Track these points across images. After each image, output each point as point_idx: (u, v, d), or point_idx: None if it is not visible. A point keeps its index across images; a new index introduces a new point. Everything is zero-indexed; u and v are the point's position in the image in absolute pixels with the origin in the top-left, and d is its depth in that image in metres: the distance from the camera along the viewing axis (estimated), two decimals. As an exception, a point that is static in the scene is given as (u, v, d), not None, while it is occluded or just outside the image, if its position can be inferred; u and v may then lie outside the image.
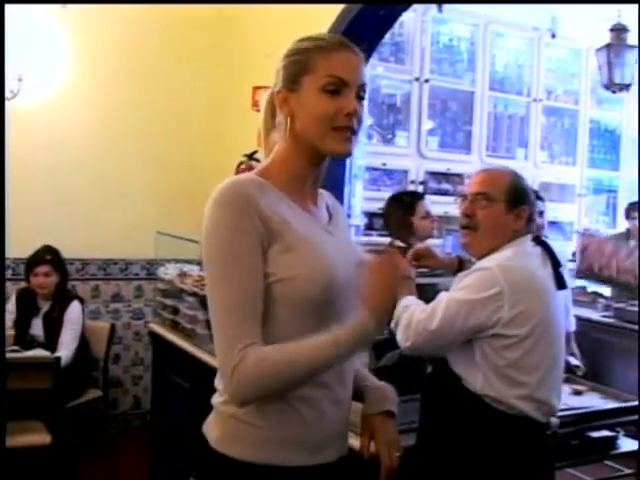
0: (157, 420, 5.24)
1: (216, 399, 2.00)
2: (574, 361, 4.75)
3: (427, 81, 6.75)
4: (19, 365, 4.65)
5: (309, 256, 1.92)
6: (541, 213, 4.98)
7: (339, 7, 5.08)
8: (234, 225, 1.84)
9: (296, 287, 1.89)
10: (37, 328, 5.41)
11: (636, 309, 5.83)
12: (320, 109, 1.92)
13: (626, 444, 3.85)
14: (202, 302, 4.59)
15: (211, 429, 1.99)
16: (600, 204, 8.53)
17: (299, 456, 1.96)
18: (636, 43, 6.56)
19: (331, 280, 1.94)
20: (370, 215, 6.38)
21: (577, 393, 3.93)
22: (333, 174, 3.04)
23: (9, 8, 4.12)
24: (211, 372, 4.01)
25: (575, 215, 7.98)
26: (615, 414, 3.68)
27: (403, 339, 2.79)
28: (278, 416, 1.93)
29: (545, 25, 7.53)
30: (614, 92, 6.71)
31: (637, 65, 6.56)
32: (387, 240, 4.92)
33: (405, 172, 6.72)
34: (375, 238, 5.67)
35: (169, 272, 5.12)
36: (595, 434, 3.78)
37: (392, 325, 2.84)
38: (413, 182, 6.64)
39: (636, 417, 3.63)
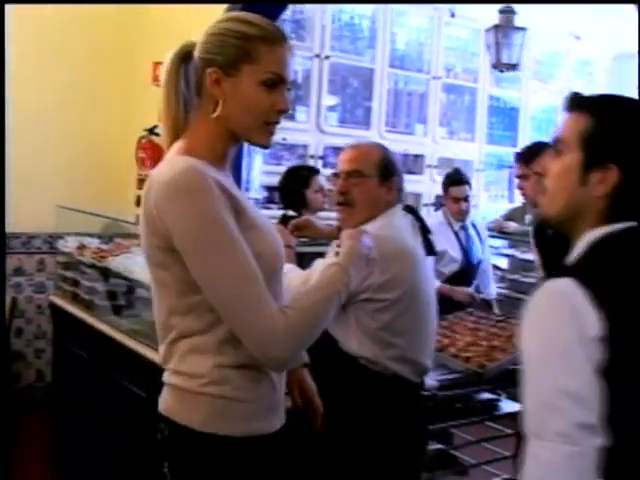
0: (59, 392, 5.25)
1: (194, 383, 1.98)
2: None
3: (327, 57, 6.83)
4: None
5: (266, 232, 2.04)
6: (466, 198, 5.44)
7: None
8: (217, 208, 1.87)
9: (263, 262, 1.95)
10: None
11: (529, 280, 6.03)
12: (257, 102, 1.98)
13: (507, 406, 4.05)
14: (104, 274, 4.65)
15: (192, 413, 1.98)
16: (502, 179, 8.76)
17: (274, 421, 2.10)
18: (523, 25, 6.77)
19: (281, 252, 2.09)
20: (270, 189, 6.46)
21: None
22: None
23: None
24: (110, 342, 4.14)
25: (474, 190, 8.13)
26: (494, 378, 3.84)
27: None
28: (258, 385, 2.03)
29: (445, 5, 7.68)
30: (502, 71, 6.93)
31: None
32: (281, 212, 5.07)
33: (305, 147, 6.81)
34: (274, 212, 5.77)
35: (69, 245, 5.14)
36: (478, 397, 3.97)
37: None
38: (312, 157, 6.74)
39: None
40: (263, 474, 2.07)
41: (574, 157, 1.77)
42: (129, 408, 3.98)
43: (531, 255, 4.78)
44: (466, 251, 5.58)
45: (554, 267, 1.82)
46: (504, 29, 6.67)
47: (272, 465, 2.10)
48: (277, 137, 2.07)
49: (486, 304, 5.52)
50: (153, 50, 6.26)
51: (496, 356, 3.81)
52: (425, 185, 7.63)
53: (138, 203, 6.19)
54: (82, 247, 4.97)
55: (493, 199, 8.56)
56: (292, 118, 6.66)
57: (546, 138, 8.86)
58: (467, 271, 5.57)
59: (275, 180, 5.59)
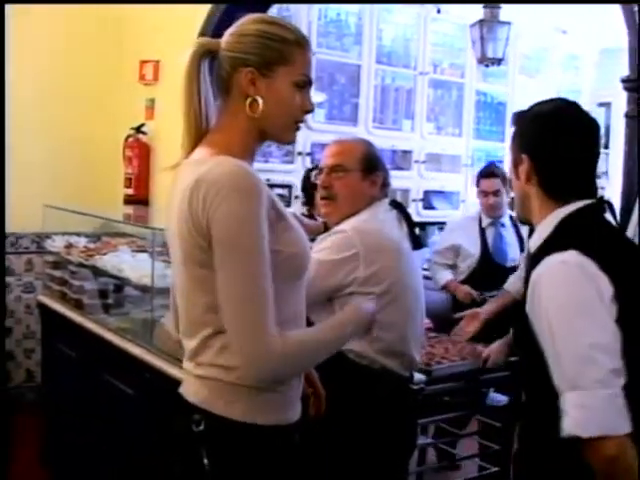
0: (48, 392, 5.26)
1: (232, 375, 2.03)
2: None
3: (314, 54, 6.77)
4: None
5: (300, 232, 2.12)
6: (496, 192, 5.23)
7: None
8: (261, 215, 1.93)
9: (297, 262, 2.08)
10: None
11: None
12: (291, 102, 2.09)
13: (496, 400, 4.06)
14: (92, 272, 4.65)
15: (231, 404, 2.04)
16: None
17: (298, 409, 2.20)
18: (509, 19, 6.79)
19: (309, 250, 2.20)
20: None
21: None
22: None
23: None
24: (99, 341, 4.15)
25: (462, 185, 8.20)
26: (481, 372, 3.85)
27: None
28: (293, 377, 2.14)
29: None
30: (487, 66, 6.95)
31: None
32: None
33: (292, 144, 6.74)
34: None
35: (56, 244, 5.14)
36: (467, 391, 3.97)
37: None
38: (300, 154, 6.75)
39: (502, 374, 3.81)
40: (290, 461, 2.17)
41: (510, 161, 2.26)
42: (118, 406, 3.99)
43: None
44: (488, 249, 5.34)
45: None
46: (489, 24, 6.70)
47: (295, 452, 2.20)
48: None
49: None
50: (140, 48, 6.28)
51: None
52: (413, 181, 7.63)
53: (126, 202, 6.21)
54: (70, 246, 4.98)
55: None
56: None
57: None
58: (492, 271, 5.18)
59: (264, 177, 5.57)
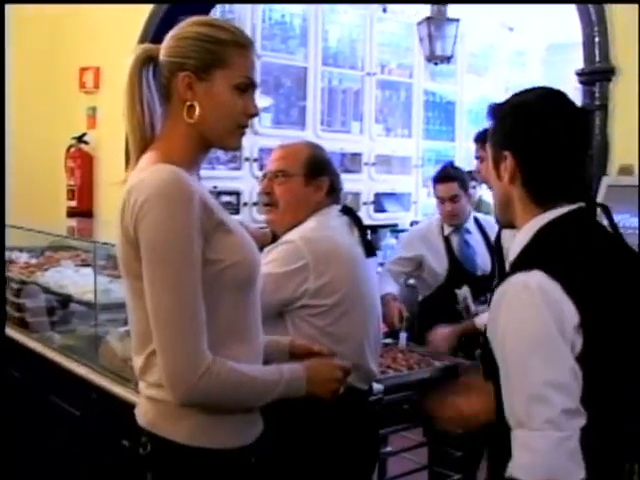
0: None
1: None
2: None
3: (259, 57, 6.68)
4: None
5: (244, 239, 2.04)
6: (453, 198, 4.65)
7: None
8: (188, 223, 1.85)
9: (243, 270, 1.99)
10: None
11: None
12: (231, 107, 2.00)
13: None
14: (36, 289, 4.49)
15: (176, 426, 1.96)
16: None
17: (255, 429, 2.11)
18: (459, 15, 6.72)
19: (258, 259, 2.11)
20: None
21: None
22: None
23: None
24: (43, 361, 3.99)
25: (413, 186, 8.13)
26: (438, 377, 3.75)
27: None
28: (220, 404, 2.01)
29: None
30: (436, 64, 6.87)
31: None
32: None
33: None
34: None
35: (-4, 261, 4.97)
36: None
37: None
38: (247, 159, 6.64)
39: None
40: None
41: (489, 159, 2.02)
42: (65, 428, 3.85)
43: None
44: (456, 258, 4.72)
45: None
46: (436, 21, 6.59)
47: (249, 476, 2.10)
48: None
49: None
50: (79, 54, 6.14)
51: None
52: (364, 184, 7.54)
53: (69, 214, 6.05)
54: (10, 262, 4.80)
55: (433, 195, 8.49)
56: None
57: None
58: (462, 282, 4.55)
59: (210, 184, 5.46)
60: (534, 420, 1.70)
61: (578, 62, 3.76)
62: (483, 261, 4.70)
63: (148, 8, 5.51)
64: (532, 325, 1.74)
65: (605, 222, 2.00)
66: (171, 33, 2.06)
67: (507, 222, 2.05)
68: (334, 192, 2.94)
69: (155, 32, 5.32)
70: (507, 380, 1.78)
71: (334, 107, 7.52)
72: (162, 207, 1.84)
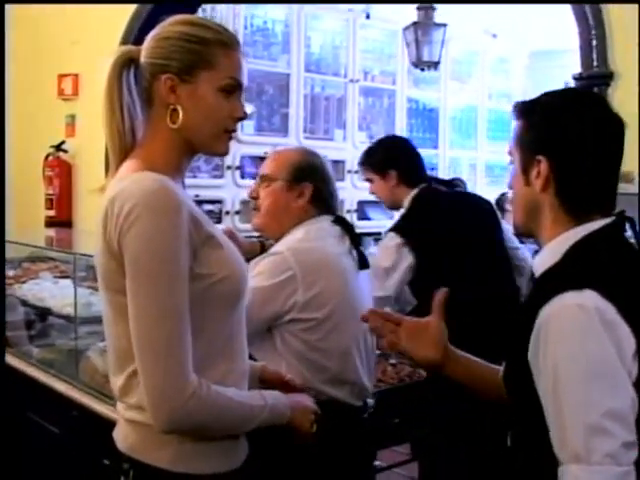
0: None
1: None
2: None
3: (245, 57, 6.60)
4: None
5: (233, 253, 1.95)
6: None
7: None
8: (175, 235, 1.75)
9: (231, 285, 1.89)
10: None
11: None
12: (216, 110, 1.90)
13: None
14: (14, 302, 4.38)
15: (159, 451, 1.86)
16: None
17: (242, 452, 2.00)
18: (443, 21, 6.64)
19: (246, 272, 2.01)
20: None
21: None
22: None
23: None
24: (22, 377, 3.88)
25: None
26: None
27: None
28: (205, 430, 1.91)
29: (360, 7, 7.54)
30: (423, 70, 6.78)
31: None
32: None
33: (221, 157, 6.56)
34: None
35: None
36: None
37: None
38: (229, 167, 6.55)
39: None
40: None
41: (517, 161, 1.84)
42: (44, 446, 3.74)
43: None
44: None
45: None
46: (423, 26, 6.49)
47: None
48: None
49: None
50: (58, 61, 6.04)
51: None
52: (347, 191, 7.42)
53: (48, 224, 5.94)
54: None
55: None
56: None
57: (466, 137, 8.95)
58: None
59: (192, 192, 5.36)
60: (594, 454, 1.56)
61: (561, 69, 3.74)
62: None
63: (129, 12, 5.42)
64: (594, 351, 1.59)
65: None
66: (152, 33, 1.96)
67: (528, 232, 1.91)
68: (322, 200, 2.84)
69: (135, 39, 5.22)
70: (559, 411, 1.62)
71: (317, 114, 7.44)
72: (148, 218, 1.73)
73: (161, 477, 1.85)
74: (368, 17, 7.62)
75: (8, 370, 4.07)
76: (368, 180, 4.00)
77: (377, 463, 3.97)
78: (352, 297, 2.75)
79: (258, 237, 3.24)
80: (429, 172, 4.85)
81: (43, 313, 4.18)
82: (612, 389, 1.58)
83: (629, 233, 1.83)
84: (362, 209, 7.64)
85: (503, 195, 7.78)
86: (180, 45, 1.89)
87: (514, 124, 1.88)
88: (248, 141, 6.61)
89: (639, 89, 3.21)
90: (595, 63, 3.52)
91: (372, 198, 5.67)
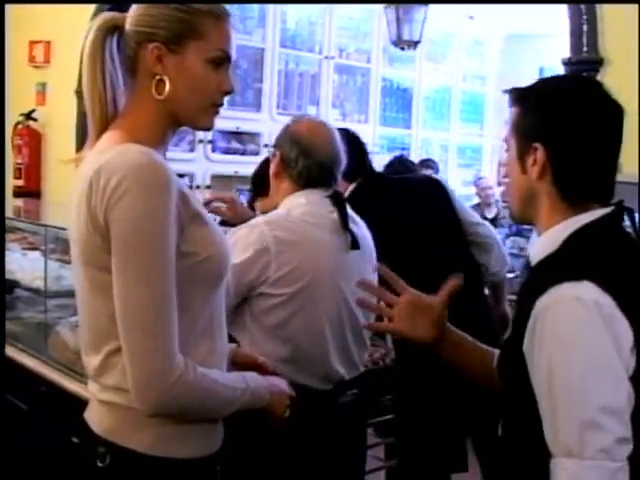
0: None
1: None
2: None
3: (235, 30, 6.52)
4: None
5: (218, 231, 1.90)
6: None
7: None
8: (165, 212, 1.70)
9: (215, 264, 1.85)
10: None
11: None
12: (204, 82, 1.84)
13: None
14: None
15: (139, 435, 1.80)
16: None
17: (219, 436, 1.96)
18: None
19: (229, 252, 1.97)
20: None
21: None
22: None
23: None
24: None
25: (369, 173, 7.99)
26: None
27: None
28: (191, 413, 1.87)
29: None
30: (402, 49, 6.71)
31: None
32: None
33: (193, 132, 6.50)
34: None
35: None
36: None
37: None
38: (202, 141, 6.48)
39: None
40: None
41: (513, 149, 1.81)
42: (11, 423, 3.66)
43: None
44: None
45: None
46: (405, 5, 6.42)
47: None
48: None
49: None
50: (29, 28, 5.93)
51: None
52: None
53: (16, 194, 5.85)
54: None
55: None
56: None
57: (439, 118, 8.93)
58: None
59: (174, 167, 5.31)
60: (587, 449, 1.53)
61: (536, 53, 3.70)
62: None
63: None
64: (589, 345, 1.56)
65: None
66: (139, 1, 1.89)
67: (525, 219, 1.88)
68: (301, 172, 2.75)
69: (111, 6, 5.09)
70: (553, 405, 1.59)
71: (290, 90, 7.39)
72: (138, 193, 1.67)
73: (140, 461, 1.80)
74: (345, -7, 7.54)
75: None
76: None
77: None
78: (331, 277, 2.68)
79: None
80: (402, 152, 4.81)
81: (11, 285, 4.09)
82: (609, 384, 1.55)
83: (627, 223, 1.80)
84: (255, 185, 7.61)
85: (480, 180, 7.81)
86: (169, 13, 1.82)
87: (509, 111, 1.84)
88: (220, 115, 6.44)
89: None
90: (585, 48, 3.48)
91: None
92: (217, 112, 1.90)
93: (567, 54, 3.72)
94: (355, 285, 2.17)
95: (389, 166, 4.79)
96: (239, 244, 2.60)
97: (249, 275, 2.59)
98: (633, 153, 1.82)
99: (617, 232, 1.75)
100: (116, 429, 1.81)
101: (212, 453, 1.91)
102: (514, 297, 2.40)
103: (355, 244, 2.75)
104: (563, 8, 3.70)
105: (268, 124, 6.92)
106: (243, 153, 6.85)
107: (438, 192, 3.74)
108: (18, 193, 5.96)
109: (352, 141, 3.62)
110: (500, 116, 10.00)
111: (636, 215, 1.83)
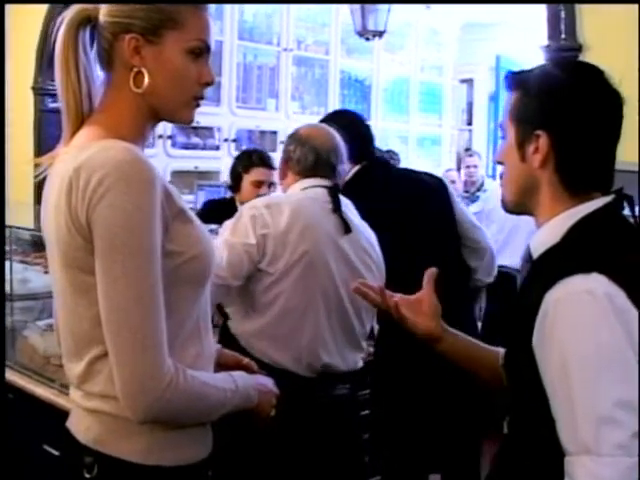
0: None
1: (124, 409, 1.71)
2: None
3: (214, 20, 6.47)
4: None
5: (202, 229, 1.84)
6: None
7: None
8: (151, 210, 1.64)
9: (201, 264, 1.79)
10: None
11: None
12: (184, 74, 1.78)
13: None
14: None
15: (129, 443, 1.74)
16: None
17: (210, 441, 1.91)
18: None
19: (214, 250, 1.91)
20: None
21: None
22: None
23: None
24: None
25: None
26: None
27: None
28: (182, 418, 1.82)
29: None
30: (367, 39, 6.63)
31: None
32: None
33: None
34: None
35: None
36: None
37: None
38: (161, 137, 6.43)
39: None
40: None
41: (511, 135, 1.75)
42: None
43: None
44: None
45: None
46: (370, -7, 6.34)
47: None
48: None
49: None
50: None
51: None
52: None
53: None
54: None
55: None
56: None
57: (398, 109, 8.91)
58: None
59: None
60: (604, 445, 1.49)
61: (492, 42, 3.68)
62: None
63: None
64: (602, 339, 1.52)
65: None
66: None
67: (521, 210, 1.81)
68: (299, 164, 2.89)
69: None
70: (568, 401, 1.54)
71: (249, 83, 7.36)
72: (122, 191, 1.60)
73: (131, 471, 1.74)
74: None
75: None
76: None
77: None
78: (321, 261, 2.71)
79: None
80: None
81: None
82: (623, 378, 1.51)
83: (627, 211, 1.75)
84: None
85: (447, 172, 7.81)
86: (145, 3, 1.75)
87: (507, 96, 1.79)
88: (179, 109, 6.44)
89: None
90: (563, 35, 3.45)
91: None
92: (198, 105, 1.83)
93: (528, 41, 3.69)
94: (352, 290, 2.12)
95: None
96: (240, 225, 2.68)
97: (254, 256, 2.65)
98: (633, 141, 1.80)
99: (619, 221, 1.71)
100: (104, 438, 1.75)
101: (204, 458, 1.86)
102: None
103: (347, 228, 2.80)
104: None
105: (228, 118, 6.91)
106: (203, 148, 6.84)
107: (439, 190, 3.71)
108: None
109: (359, 123, 3.64)
110: (457, 106, 10.03)
111: (635, 203, 1.79)
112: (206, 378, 1.79)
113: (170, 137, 6.49)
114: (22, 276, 3.56)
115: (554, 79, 1.72)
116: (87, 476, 1.74)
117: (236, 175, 4.37)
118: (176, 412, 1.71)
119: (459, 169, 8.38)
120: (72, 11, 1.79)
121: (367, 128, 3.72)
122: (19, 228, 3.57)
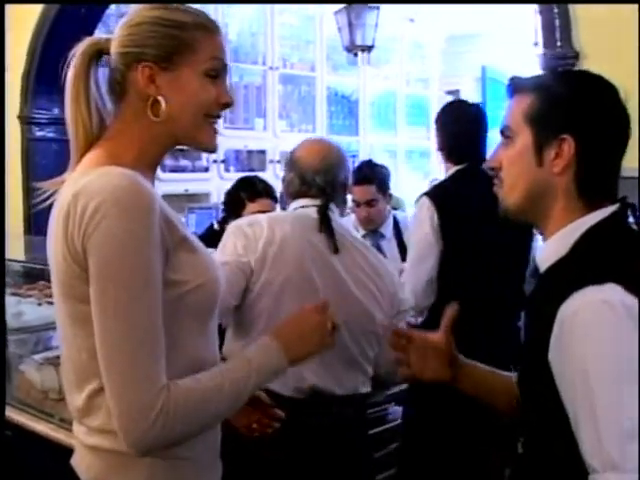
0: None
1: (122, 444, 1.63)
2: None
3: (227, 42, 6.45)
4: None
5: (207, 257, 1.80)
6: (370, 202, 4.38)
7: None
8: (147, 237, 1.59)
9: (207, 293, 1.75)
10: None
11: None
12: (203, 96, 1.74)
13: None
14: None
15: (125, 478, 1.70)
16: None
17: (216, 472, 1.87)
18: (376, 4, 6.48)
19: (221, 278, 1.84)
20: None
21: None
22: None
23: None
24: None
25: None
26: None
27: None
28: (203, 438, 1.76)
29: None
30: (356, 55, 6.63)
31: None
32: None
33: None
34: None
35: None
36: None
37: None
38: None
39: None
40: None
41: (525, 139, 1.67)
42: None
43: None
44: None
45: None
46: (356, 9, 6.31)
47: None
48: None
49: None
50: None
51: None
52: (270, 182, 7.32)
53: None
54: None
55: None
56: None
57: (386, 123, 8.90)
58: None
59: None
60: (629, 461, 1.44)
61: (476, 53, 3.64)
62: (394, 268, 4.46)
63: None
64: (622, 349, 1.47)
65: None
66: (122, 22, 1.77)
67: (524, 217, 1.74)
68: (292, 185, 2.86)
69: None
70: (591, 416, 1.49)
71: (237, 103, 7.29)
72: (118, 218, 1.56)
73: None
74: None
75: None
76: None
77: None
78: (303, 278, 2.66)
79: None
80: (375, 163, 4.64)
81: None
82: None
83: (630, 219, 1.70)
84: (284, 200, 7.53)
85: (433, 182, 7.75)
86: (155, 30, 1.71)
87: (512, 100, 1.73)
88: (167, 132, 6.42)
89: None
90: (559, 43, 3.42)
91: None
92: (216, 130, 1.80)
93: (512, 51, 3.65)
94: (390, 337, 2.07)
95: (358, 170, 4.63)
96: (228, 244, 2.67)
97: (246, 271, 2.64)
98: (633, 147, 1.76)
99: (626, 229, 1.67)
100: (105, 475, 1.71)
101: None
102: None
103: (335, 248, 2.74)
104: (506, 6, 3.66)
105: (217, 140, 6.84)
106: (192, 170, 6.80)
107: None
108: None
109: (472, 120, 3.50)
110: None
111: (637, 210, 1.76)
112: (208, 379, 1.71)
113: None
114: (16, 309, 3.51)
115: (578, 85, 1.68)
116: None
117: (239, 201, 4.27)
118: (177, 435, 1.64)
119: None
120: (84, 45, 1.77)
121: (480, 127, 3.55)
122: (10, 260, 3.51)
